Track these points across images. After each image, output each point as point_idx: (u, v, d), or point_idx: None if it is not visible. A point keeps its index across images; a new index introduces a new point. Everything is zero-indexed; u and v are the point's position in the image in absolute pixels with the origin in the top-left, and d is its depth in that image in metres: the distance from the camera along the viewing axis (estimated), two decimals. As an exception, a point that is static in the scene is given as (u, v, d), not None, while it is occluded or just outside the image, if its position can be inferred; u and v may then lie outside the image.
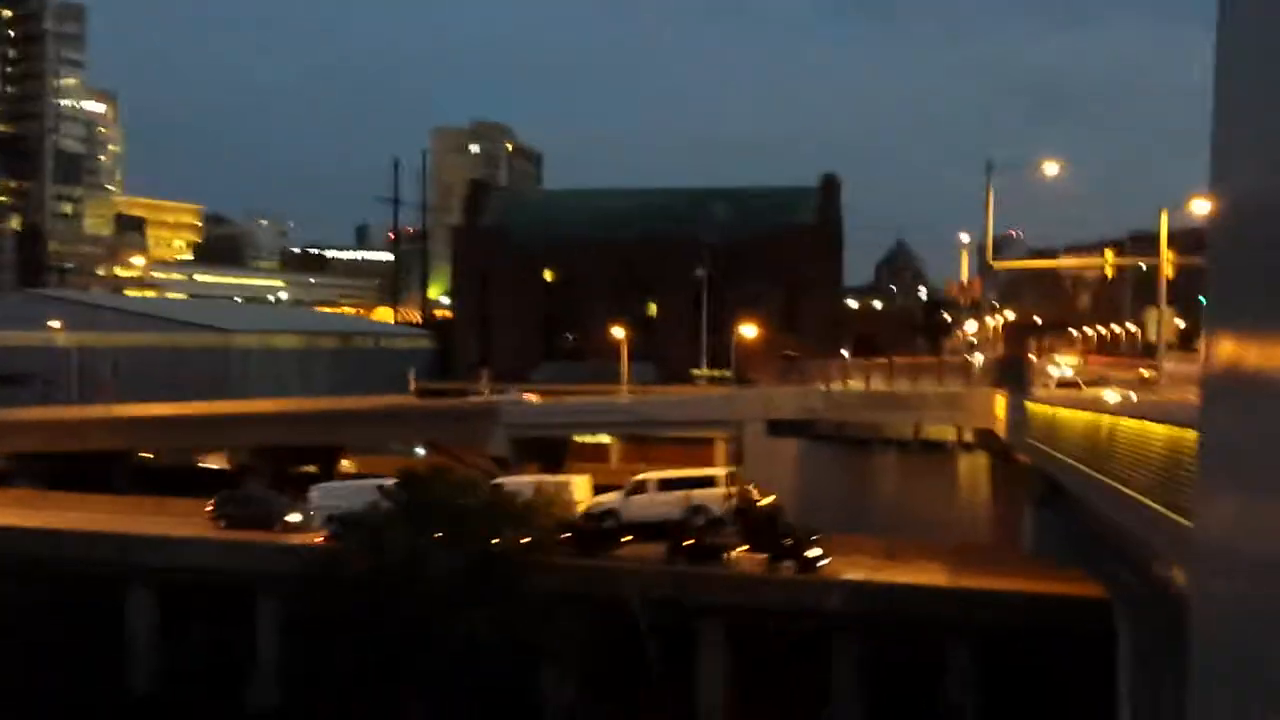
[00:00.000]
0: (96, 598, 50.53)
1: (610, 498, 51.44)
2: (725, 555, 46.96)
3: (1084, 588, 35.94)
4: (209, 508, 56.42)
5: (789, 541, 45.62)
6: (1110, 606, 31.18)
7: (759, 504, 48.39)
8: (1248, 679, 1.23)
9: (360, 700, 44.41)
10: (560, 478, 54.07)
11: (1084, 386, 47.73)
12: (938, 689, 42.03)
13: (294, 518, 53.81)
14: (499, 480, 53.10)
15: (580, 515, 50.05)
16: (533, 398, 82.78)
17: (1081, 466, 26.96)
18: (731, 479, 50.15)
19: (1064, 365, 75.83)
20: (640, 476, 51.57)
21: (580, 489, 52.22)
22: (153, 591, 50.71)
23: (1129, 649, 29.14)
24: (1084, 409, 27.71)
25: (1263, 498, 1.25)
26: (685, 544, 47.21)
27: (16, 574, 50.54)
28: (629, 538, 48.85)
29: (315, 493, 54.78)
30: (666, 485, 50.42)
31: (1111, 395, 36.83)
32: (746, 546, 46.76)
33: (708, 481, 50.44)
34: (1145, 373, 67.42)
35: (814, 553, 45.25)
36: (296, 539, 51.60)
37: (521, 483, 51.82)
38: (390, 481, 49.85)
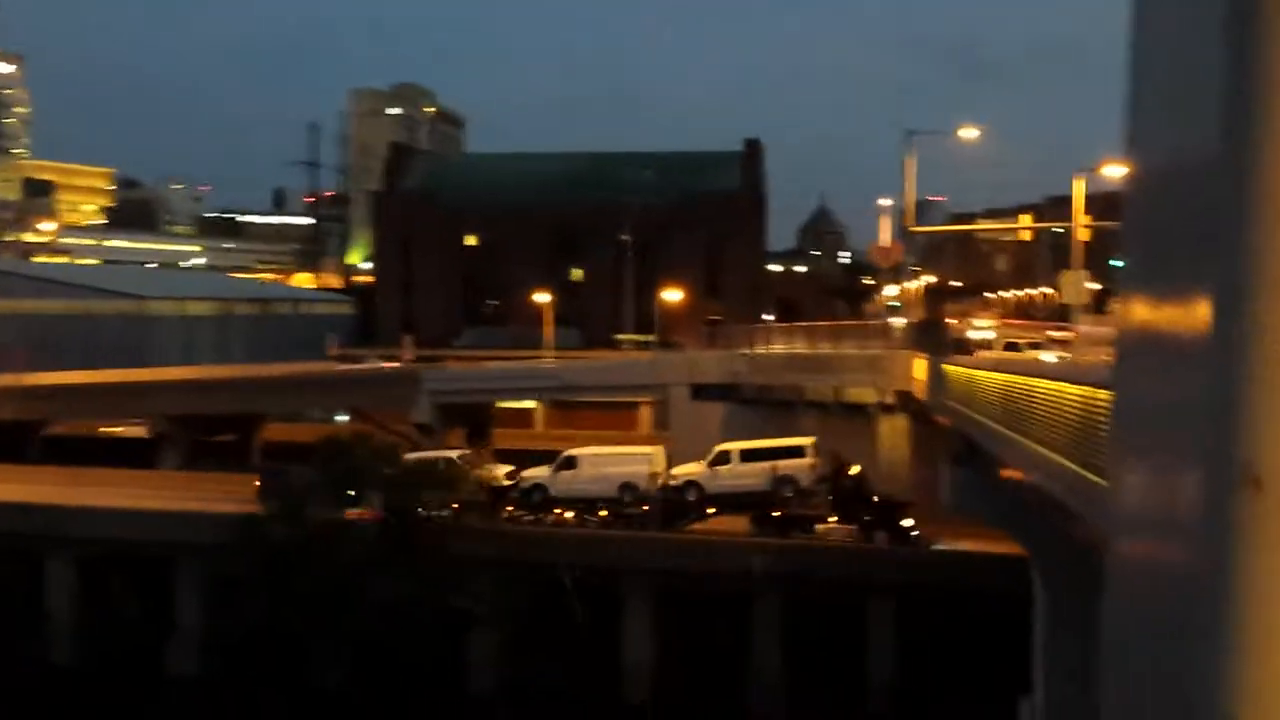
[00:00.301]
0: (13, 569, 49.59)
1: (540, 471, 50.86)
2: (814, 526, 46.20)
3: (1005, 546, 36.74)
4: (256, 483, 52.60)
5: (878, 511, 44.97)
6: (1028, 564, 31.89)
7: (848, 474, 47.91)
8: (1160, 638, 1.26)
9: (278, 665, 44.32)
10: (640, 449, 52.83)
11: (1023, 349, 48.29)
12: (856, 647, 42.77)
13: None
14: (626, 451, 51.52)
15: (660, 487, 48.88)
16: (391, 365, 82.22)
17: (998, 427, 27.45)
18: (818, 449, 49.20)
19: (983, 329, 77.01)
20: (722, 446, 50.06)
21: (658, 460, 51.16)
22: (72, 562, 49.84)
23: (1045, 606, 29.84)
24: (1018, 372, 28.17)
25: (1174, 459, 1.27)
26: (773, 515, 46.48)
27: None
28: (713, 510, 48.30)
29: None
30: (750, 456, 49.10)
31: (1049, 357, 37.46)
32: (836, 517, 46.14)
33: (794, 451, 49.14)
34: (1054, 334, 69.12)
35: (907, 522, 44.54)
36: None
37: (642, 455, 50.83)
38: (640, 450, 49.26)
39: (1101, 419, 17.57)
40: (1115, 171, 49.93)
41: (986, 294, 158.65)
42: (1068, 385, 20.94)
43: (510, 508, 48.59)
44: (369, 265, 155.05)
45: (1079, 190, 51.60)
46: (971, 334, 68.28)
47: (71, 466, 61.99)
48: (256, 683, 45.17)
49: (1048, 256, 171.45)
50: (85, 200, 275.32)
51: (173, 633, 48.00)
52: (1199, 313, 1.21)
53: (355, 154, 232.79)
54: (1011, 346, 62.59)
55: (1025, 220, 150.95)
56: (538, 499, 49.07)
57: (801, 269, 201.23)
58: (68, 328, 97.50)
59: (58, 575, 49.98)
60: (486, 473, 50.85)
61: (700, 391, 61.90)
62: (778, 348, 61.85)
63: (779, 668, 43.31)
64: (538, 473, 50.65)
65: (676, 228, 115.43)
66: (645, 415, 75.21)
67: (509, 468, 52.38)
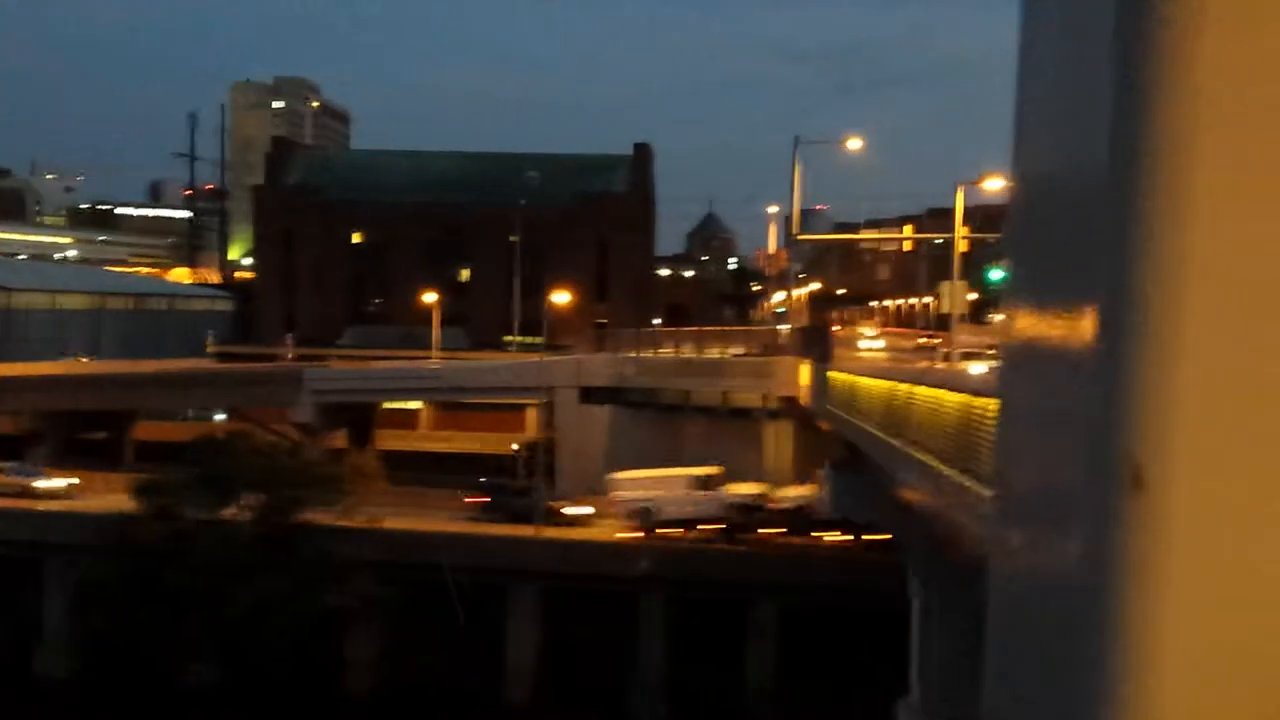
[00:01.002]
0: None
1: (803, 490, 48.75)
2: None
3: (888, 552, 37.48)
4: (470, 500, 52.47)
5: None
6: (904, 568, 32.57)
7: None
8: (1044, 641, 1.29)
9: (149, 666, 43.36)
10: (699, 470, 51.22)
11: (949, 360, 48.41)
12: (740, 647, 43.25)
13: (574, 510, 50.48)
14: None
15: (728, 504, 48.10)
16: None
17: (878, 433, 27.97)
18: None
19: (871, 336, 78.39)
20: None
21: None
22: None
23: (920, 608, 30.50)
24: (898, 379, 28.71)
25: (1058, 461, 1.30)
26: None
27: None
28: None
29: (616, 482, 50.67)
30: None
31: (978, 368, 38.04)
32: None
33: None
34: (922, 340, 70.99)
35: None
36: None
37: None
38: (703, 471, 47.81)
39: (979, 425, 18.02)
40: (995, 185, 51.35)
41: (870, 302, 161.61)
42: (946, 392, 21.44)
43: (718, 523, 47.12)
44: (250, 261, 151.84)
45: (960, 201, 52.89)
46: (862, 344, 69.34)
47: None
48: (127, 683, 44.07)
49: (925, 267, 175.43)
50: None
51: (39, 634, 46.62)
52: (1082, 321, 1.26)
53: (236, 148, 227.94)
54: (875, 351, 63.89)
55: (907, 231, 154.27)
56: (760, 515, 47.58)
57: (690, 274, 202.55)
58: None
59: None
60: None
61: (588, 394, 61.92)
62: (666, 352, 62.20)
63: (663, 672, 43.61)
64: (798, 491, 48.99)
65: (565, 230, 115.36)
66: (532, 417, 74.95)
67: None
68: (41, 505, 50.70)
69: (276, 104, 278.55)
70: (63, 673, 46.03)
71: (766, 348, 59.48)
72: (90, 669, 45.49)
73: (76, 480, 53.30)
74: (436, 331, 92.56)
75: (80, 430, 71.38)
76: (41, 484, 52.23)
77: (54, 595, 47.09)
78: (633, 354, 62.11)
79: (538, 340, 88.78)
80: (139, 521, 44.61)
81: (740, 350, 59.04)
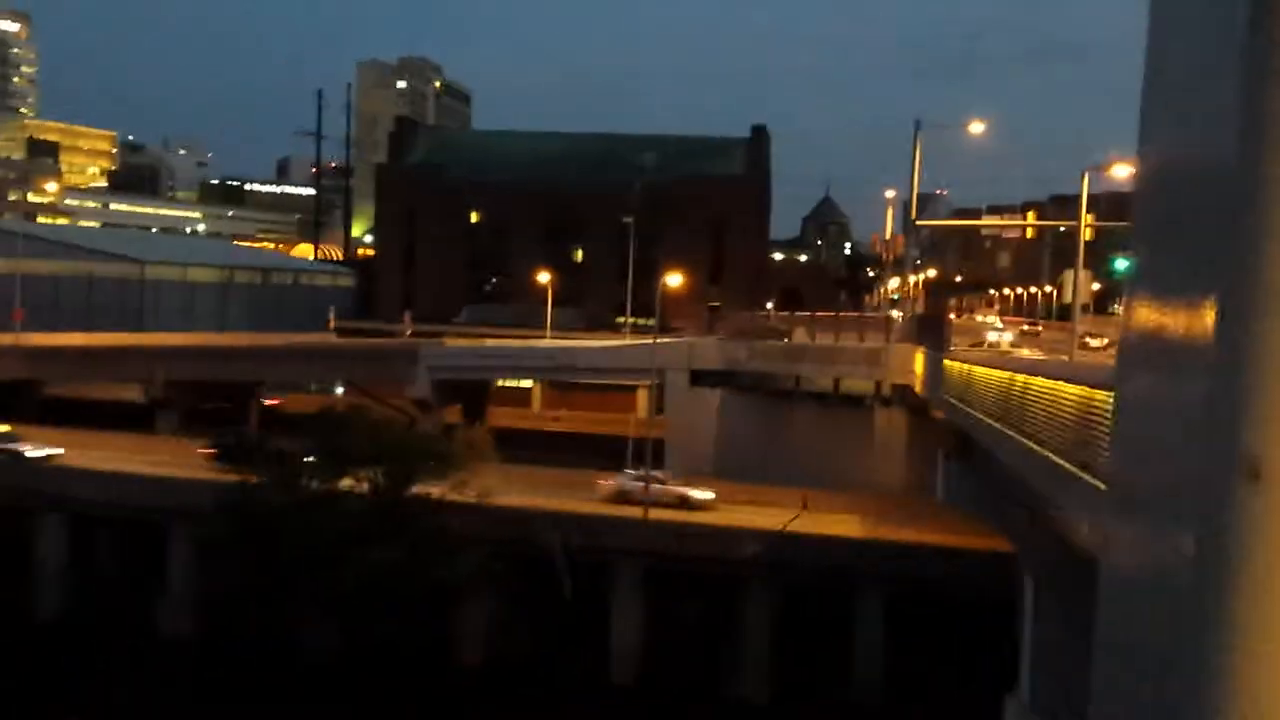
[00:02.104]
0: (7, 528, 49.73)
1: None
2: None
3: (994, 541, 36.83)
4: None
5: None
6: (1016, 560, 31.97)
7: None
8: (1156, 633, 1.27)
9: (267, 631, 44.60)
10: None
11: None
12: (847, 636, 42.90)
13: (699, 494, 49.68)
14: None
15: None
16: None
17: (994, 423, 27.49)
18: None
19: (998, 327, 76.39)
20: None
21: None
22: (64, 522, 49.95)
23: (1032, 602, 29.93)
24: (1016, 370, 28.17)
25: (1175, 454, 1.27)
26: None
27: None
28: None
29: None
30: None
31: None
32: None
33: None
34: (1027, 328, 69.23)
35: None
36: None
37: None
38: None
39: (1097, 418, 17.60)
40: (1122, 171, 49.85)
41: (989, 290, 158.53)
42: (1065, 385, 20.96)
43: None
44: (371, 239, 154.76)
45: (1085, 187, 51.47)
46: (990, 335, 67.63)
47: (68, 429, 61.98)
48: (247, 647, 45.42)
49: (1048, 255, 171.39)
50: (89, 162, 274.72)
51: (164, 593, 48.29)
52: (1203, 313, 1.24)
53: (361, 126, 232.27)
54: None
55: (1030, 217, 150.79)
56: None
57: (804, 258, 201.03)
58: (68, 289, 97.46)
59: (52, 538, 50.08)
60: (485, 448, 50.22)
61: (698, 377, 61.91)
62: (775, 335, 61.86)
63: (769, 658, 43.51)
64: None
65: (681, 211, 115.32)
66: (642, 399, 75.21)
67: None
68: (164, 471, 52.37)
69: (400, 84, 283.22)
70: (187, 634, 47.58)
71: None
72: (213, 632, 46.93)
73: (61, 450, 54.59)
74: (550, 311, 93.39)
75: (207, 400, 73.69)
76: (30, 452, 53.72)
77: (178, 559, 48.67)
78: (744, 339, 61.94)
79: (650, 322, 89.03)
80: (259, 490, 45.75)
81: (853, 337, 58.46)
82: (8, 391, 71.51)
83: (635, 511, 46.88)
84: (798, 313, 66.96)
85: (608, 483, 50.51)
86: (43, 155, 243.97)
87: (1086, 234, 54.65)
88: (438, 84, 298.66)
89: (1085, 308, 52.81)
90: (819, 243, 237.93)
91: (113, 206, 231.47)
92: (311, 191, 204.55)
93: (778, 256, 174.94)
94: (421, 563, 43.05)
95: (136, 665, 45.73)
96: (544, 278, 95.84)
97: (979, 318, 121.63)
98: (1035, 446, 22.36)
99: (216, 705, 43.51)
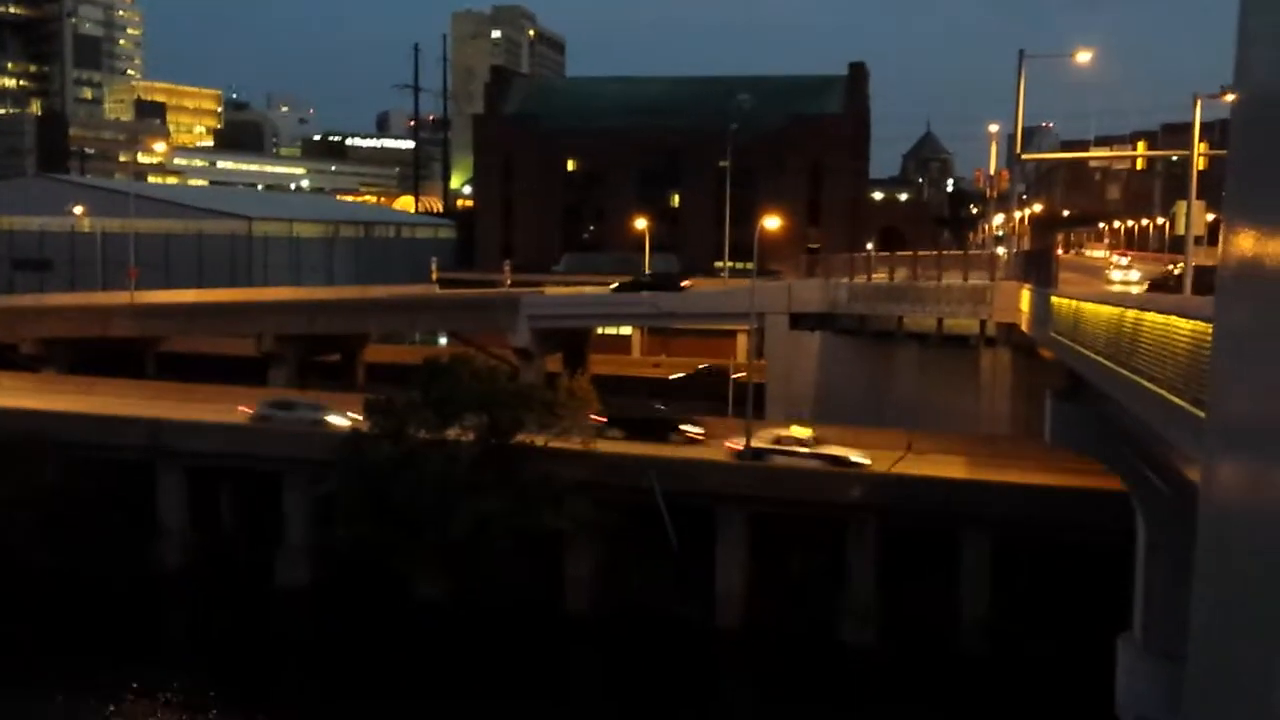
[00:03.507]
0: (130, 480, 51.46)
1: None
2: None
3: (1103, 481, 36.13)
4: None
5: None
6: (1128, 500, 31.33)
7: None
8: (1256, 565, 1.25)
9: (381, 579, 45.58)
10: None
11: None
12: (953, 579, 42.58)
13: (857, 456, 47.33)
14: None
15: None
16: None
17: (1104, 361, 26.85)
18: None
19: (1122, 264, 71.59)
20: None
21: None
22: (183, 475, 51.54)
23: (1145, 541, 29.36)
24: (1126, 305, 27.44)
25: (1271, 393, 1.26)
26: None
27: (43, 456, 51.24)
28: None
29: None
30: None
31: None
32: None
33: None
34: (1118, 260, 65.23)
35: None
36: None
37: None
38: None
39: (1209, 354, 17.11)
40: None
41: (1098, 224, 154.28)
42: (1178, 319, 20.36)
43: None
44: (470, 190, 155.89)
45: (1198, 115, 49.60)
46: (1114, 274, 64.14)
47: (185, 383, 63.88)
48: (362, 595, 46.57)
49: (1159, 186, 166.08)
50: (195, 121, 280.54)
51: (279, 544, 49.62)
52: None
53: (457, 77, 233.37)
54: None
55: (1140, 148, 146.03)
56: None
57: (905, 196, 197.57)
58: (179, 248, 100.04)
59: (170, 487, 51.73)
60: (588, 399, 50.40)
61: (798, 321, 61.46)
62: (879, 277, 61.03)
63: (873, 597, 43.40)
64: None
65: (777, 153, 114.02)
66: (742, 343, 74.96)
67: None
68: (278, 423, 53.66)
69: (495, 33, 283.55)
70: (303, 582, 48.94)
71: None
72: (328, 580, 48.19)
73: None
74: (648, 258, 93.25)
75: (316, 353, 75.30)
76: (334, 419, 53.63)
77: (293, 509, 49.95)
78: (844, 279, 61.23)
79: (748, 266, 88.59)
80: (370, 440, 46.65)
81: (956, 275, 57.33)
82: (127, 348, 73.92)
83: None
84: (899, 252, 65.77)
85: (736, 446, 47.35)
86: (150, 116, 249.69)
87: (1200, 163, 52.75)
88: (532, 32, 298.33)
89: (1199, 239, 51.00)
90: (920, 180, 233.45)
91: (219, 164, 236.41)
92: (410, 145, 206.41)
93: (878, 196, 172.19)
94: (529, 510, 43.62)
95: (257, 615, 47.22)
96: (641, 224, 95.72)
97: (1088, 253, 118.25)
98: (1147, 384, 21.81)
99: (331, 653, 44.81)
